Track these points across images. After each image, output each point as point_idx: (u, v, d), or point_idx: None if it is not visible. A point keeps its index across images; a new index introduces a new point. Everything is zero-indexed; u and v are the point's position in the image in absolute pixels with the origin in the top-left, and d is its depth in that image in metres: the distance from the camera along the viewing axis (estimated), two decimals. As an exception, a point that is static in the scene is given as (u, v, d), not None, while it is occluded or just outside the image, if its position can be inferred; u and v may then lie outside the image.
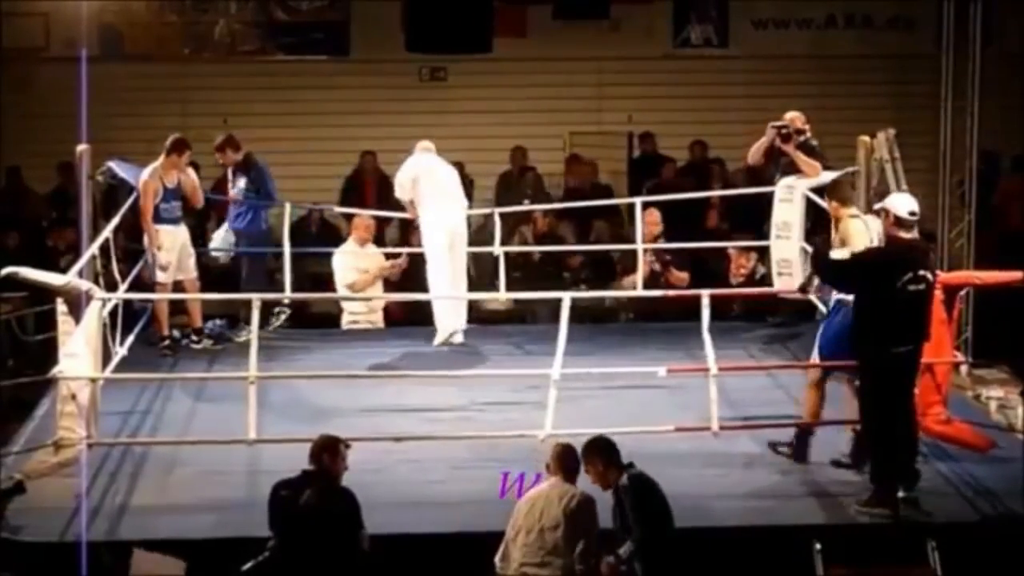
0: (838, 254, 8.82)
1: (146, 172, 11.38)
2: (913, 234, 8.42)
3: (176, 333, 11.77)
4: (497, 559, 7.49)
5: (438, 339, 11.27)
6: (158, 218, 11.37)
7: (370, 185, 15.48)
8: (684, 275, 12.72)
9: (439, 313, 11.27)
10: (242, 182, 12.21)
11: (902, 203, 8.44)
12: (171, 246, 11.42)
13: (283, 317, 12.22)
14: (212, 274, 12.41)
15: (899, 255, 8.33)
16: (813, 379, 9.17)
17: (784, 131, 11.33)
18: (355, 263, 12.41)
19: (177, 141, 11.49)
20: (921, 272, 8.26)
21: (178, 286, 11.56)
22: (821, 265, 9.02)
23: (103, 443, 9.01)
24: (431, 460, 9.02)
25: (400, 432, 9.32)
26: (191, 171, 11.73)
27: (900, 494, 8.32)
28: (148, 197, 11.30)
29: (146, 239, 11.38)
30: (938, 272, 9.62)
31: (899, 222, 8.33)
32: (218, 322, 12.03)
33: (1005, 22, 15.06)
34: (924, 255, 8.40)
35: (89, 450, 8.65)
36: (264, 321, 11.59)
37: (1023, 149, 15.67)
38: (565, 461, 7.58)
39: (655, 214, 12.87)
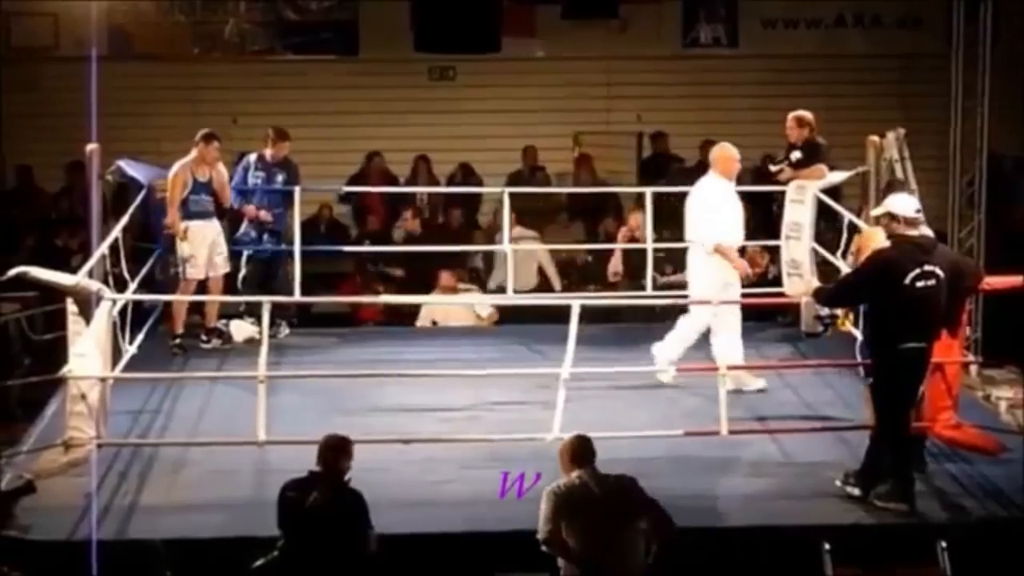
0: None
1: (177, 164, 11.35)
2: (920, 231, 8.42)
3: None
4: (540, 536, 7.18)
5: None
6: (186, 211, 11.33)
7: (376, 185, 15.45)
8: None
9: None
10: (280, 177, 12.05)
11: (903, 203, 8.45)
12: (200, 241, 11.36)
13: (284, 329, 11.98)
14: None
15: (905, 252, 8.30)
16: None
17: (769, 166, 11.54)
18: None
19: (206, 134, 11.44)
20: (928, 268, 8.24)
21: (201, 284, 11.48)
22: (825, 298, 9.03)
23: (112, 443, 9.01)
24: (439, 460, 9.01)
25: (409, 431, 9.30)
26: (222, 168, 11.59)
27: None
28: (176, 188, 11.25)
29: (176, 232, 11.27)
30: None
31: (905, 221, 8.33)
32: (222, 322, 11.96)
33: (1013, 21, 15.03)
34: (931, 250, 8.36)
35: (98, 450, 8.66)
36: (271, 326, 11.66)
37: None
38: (578, 453, 7.38)
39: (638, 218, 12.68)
